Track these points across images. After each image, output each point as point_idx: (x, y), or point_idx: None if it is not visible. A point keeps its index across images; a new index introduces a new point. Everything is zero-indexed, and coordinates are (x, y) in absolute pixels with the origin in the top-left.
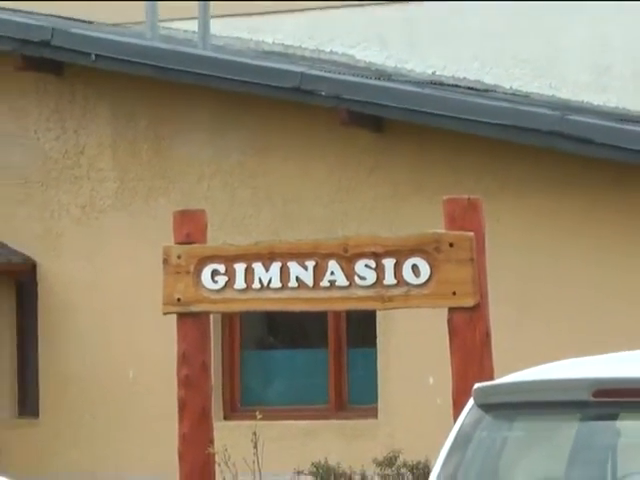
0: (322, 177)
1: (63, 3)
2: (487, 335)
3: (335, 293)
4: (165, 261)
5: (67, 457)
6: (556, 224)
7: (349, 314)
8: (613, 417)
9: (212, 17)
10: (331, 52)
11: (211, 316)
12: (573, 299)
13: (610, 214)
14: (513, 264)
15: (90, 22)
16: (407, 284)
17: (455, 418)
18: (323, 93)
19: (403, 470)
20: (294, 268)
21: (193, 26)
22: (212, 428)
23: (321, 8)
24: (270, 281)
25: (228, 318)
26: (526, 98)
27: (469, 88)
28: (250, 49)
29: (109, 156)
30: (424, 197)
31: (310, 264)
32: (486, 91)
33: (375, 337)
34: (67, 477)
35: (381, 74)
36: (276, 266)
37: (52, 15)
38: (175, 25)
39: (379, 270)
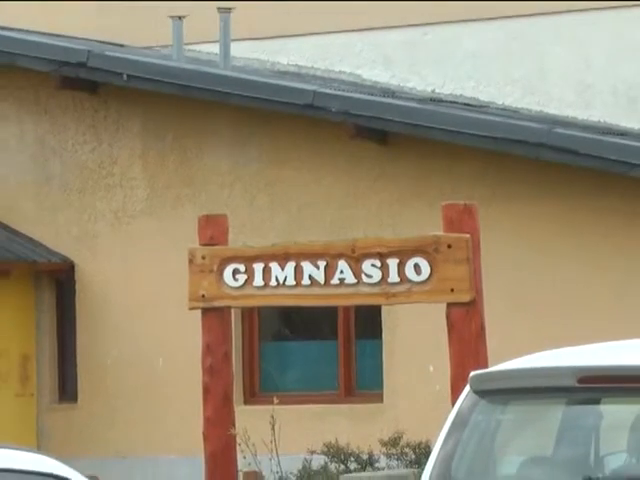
0: (332, 185)
1: (98, 29)
2: (482, 327)
3: (344, 290)
4: (191, 261)
5: (103, 438)
6: (543, 227)
7: (357, 309)
8: (596, 401)
9: (232, 40)
10: (340, 72)
11: (232, 311)
12: (559, 294)
13: (592, 217)
14: (505, 263)
15: (122, 45)
16: (409, 282)
17: (453, 403)
18: (333, 109)
19: (406, 449)
20: (307, 267)
21: (215, 48)
22: (233, 412)
23: (331, 32)
24: (285, 279)
25: (248, 312)
26: (516, 113)
27: (465, 104)
28: (267, 69)
29: (140, 166)
30: (424, 203)
31: (321, 263)
32: (480, 107)
33: (380, 330)
34: (104, 457)
35: (386, 92)
36: (291, 265)
37: (87, 39)
38: (199, 47)
39: (384, 269)
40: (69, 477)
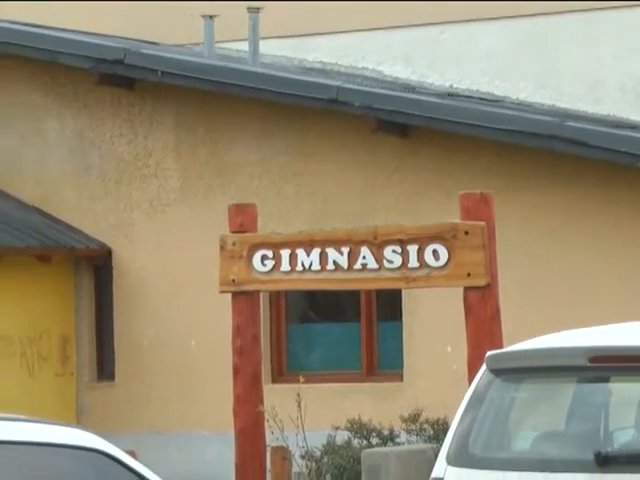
0: (355, 176)
1: (134, 28)
2: (497, 310)
3: (366, 275)
4: (221, 247)
5: (139, 415)
6: (555, 216)
7: (378, 292)
8: (606, 380)
9: (261, 38)
10: (363, 68)
11: (261, 294)
12: (569, 278)
13: (602, 207)
14: (518, 252)
15: (156, 43)
16: (428, 267)
17: (470, 381)
18: (356, 104)
19: (425, 426)
20: (331, 253)
21: (244, 46)
22: (262, 390)
23: (354, 31)
24: (311, 264)
25: (275, 296)
26: (529, 107)
27: (481, 99)
28: (293, 66)
29: (173, 158)
30: (442, 193)
31: (345, 250)
32: (496, 101)
33: (401, 312)
34: (140, 433)
35: (406, 87)
36: (316, 252)
37: (124, 37)
38: (229, 45)
39: (404, 255)
40: (109, 451)
